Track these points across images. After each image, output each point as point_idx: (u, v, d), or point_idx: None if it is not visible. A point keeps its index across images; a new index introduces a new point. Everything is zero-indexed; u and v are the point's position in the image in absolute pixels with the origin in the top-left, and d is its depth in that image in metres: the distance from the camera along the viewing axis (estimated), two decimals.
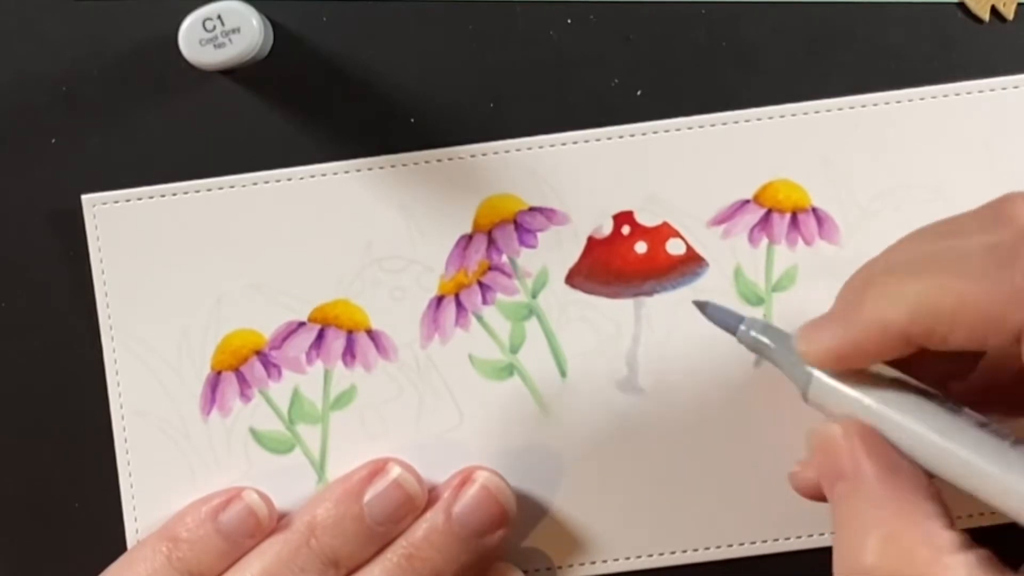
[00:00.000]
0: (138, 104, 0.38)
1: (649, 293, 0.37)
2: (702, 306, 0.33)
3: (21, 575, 0.38)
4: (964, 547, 0.27)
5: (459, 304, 0.37)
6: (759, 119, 0.37)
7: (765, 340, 0.31)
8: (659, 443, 0.36)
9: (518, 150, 0.37)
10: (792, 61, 0.37)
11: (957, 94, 0.37)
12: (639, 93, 0.38)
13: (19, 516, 0.38)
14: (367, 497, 0.34)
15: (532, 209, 0.37)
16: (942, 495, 0.28)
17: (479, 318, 0.37)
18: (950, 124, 0.37)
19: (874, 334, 0.28)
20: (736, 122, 0.37)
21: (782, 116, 0.37)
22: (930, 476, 0.28)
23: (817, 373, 0.29)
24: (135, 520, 0.37)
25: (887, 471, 0.28)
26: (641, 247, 0.37)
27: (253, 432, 0.37)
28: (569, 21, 0.38)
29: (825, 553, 0.35)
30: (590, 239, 0.37)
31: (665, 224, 0.37)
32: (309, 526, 0.34)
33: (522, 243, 0.37)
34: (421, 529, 0.34)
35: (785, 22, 0.37)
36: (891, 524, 0.27)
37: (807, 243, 0.37)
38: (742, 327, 0.31)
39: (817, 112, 0.37)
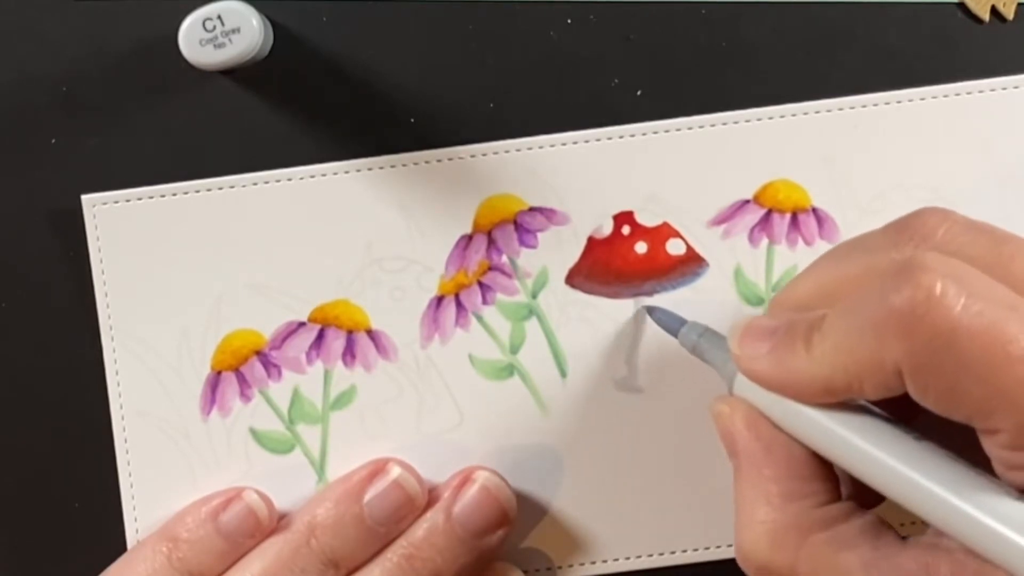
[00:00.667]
0: (138, 104, 0.38)
1: (649, 293, 0.37)
2: (650, 310, 0.36)
3: (21, 575, 0.38)
4: (838, 520, 0.27)
5: (459, 304, 0.37)
6: (759, 119, 0.37)
7: (703, 343, 0.33)
8: (659, 443, 0.36)
9: (518, 150, 0.37)
10: (792, 61, 0.37)
11: (957, 94, 0.37)
12: (639, 93, 0.38)
13: (19, 516, 0.38)
14: (367, 497, 0.34)
15: (532, 209, 0.37)
16: (826, 469, 0.28)
17: (479, 318, 0.37)
18: (950, 124, 0.37)
19: (801, 383, 0.28)
20: (736, 122, 0.37)
21: (782, 116, 0.37)
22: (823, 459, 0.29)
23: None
24: (135, 520, 0.37)
25: (763, 452, 0.29)
26: (641, 247, 0.37)
27: (253, 432, 0.37)
28: (569, 21, 0.38)
29: None
30: (590, 239, 0.37)
31: (665, 224, 0.37)
32: (309, 526, 0.34)
33: (522, 243, 0.37)
34: (421, 529, 0.34)
35: (785, 22, 0.37)
36: (763, 508, 0.28)
37: (807, 243, 0.37)
38: (683, 329, 0.34)
39: (817, 112, 0.37)
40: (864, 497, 0.29)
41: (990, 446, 0.25)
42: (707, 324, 0.33)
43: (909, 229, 0.28)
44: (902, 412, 0.28)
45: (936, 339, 0.25)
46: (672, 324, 0.35)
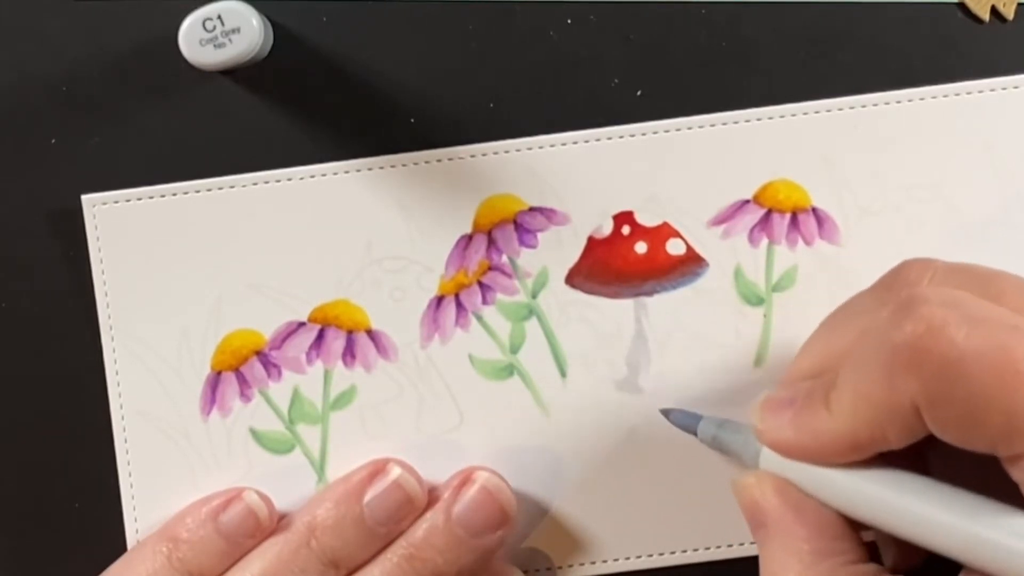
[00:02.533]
0: (138, 104, 0.38)
1: (649, 293, 0.37)
2: (666, 413, 0.36)
3: (21, 575, 0.38)
4: None
5: (459, 304, 0.37)
6: (759, 119, 0.37)
7: (721, 434, 0.33)
8: (659, 443, 0.36)
9: (518, 150, 0.37)
10: (792, 61, 0.37)
11: (957, 94, 0.37)
12: (639, 93, 0.38)
13: (19, 516, 0.38)
14: (367, 498, 0.34)
15: (532, 209, 0.37)
16: (854, 531, 0.29)
17: (479, 318, 0.37)
18: (950, 124, 0.37)
19: (828, 445, 0.28)
20: (736, 122, 0.37)
21: (782, 116, 0.37)
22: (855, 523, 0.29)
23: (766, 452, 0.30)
24: (135, 520, 0.37)
25: (793, 515, 0.29)
26: (641, 247, 0.37)
27: (253, 432, 0.37)
28: (569, 21, 0.38)
29: None
30: (590, 239, 0.37)
31: (665, 224, 0.37)
32: (309, 527, 0.34)
33: (522, 243, 0.37)
34: (421, 530, 0.34)
35: (785, 22, 0.37)
36: (795, 568, 0.28)
37: (807, 243, 0.37)
38: (700, 425, 0.34)
39: (817, 112, 0.37)
40: (906, 560, 0.29)
41: (1017, 472, 0.25)
42: (723, 417, 0.34)
43: (896, 284, 0.28)
44: (923, 467, 0.28)
45: (946, 368, 0.25)
46: (689, 423, 0.35)
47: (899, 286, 0.28)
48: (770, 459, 0.30)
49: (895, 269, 0.29)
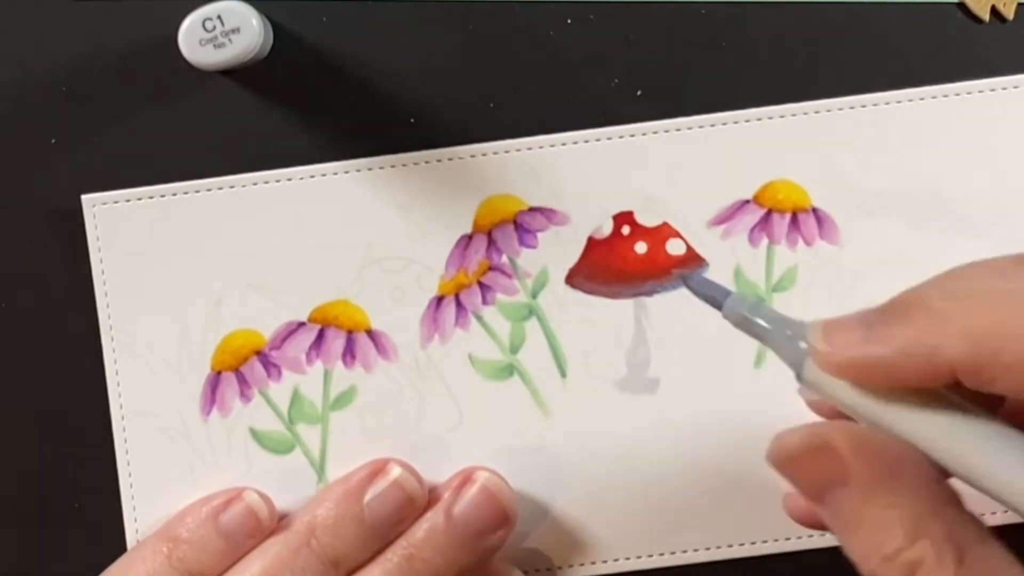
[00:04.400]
0: (138, 104, 0.38)
1: (649, 293, 0.37)
2: (686, 278, 0.31)
3: (21, 575, 0.38)
4: (987, 534, 0.25)
5: (459, 304, 0.37)
6: (759, 119, 0.37)
7: (757, 319, 0.28)
8: (659, 443, 0.36)
9: (518, 150, 0.37)
10: (792, 61, 0.37)
11: (957, 94, 0.37)
12: (639, 93, 0.38)
13: (19, 516, 0.38)
14: (367, 498, 0.34)
15: (532, 209, 0.37)
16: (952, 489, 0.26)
17: (479, 318, 0.37)
18: (950, 124, 0.37)
19: (917, 360, 0.25)
20: (736, 122, 0.37)
21: (782, 116, 0.37)
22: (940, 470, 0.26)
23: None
24: (135, 520, 0.37)
25: (893, 463, 0.25)
26: (641, 247, 0.37)
27: (253, 432, 0.37)
28: (569, 21, 0.38)
29: (826, 553, 0.36)
30: (590, 239, 0.37)
31: (665, 224, 0.37)
32: (309, 527, 0.34)
33: (522, 243, 0.37)
34: (421, 530, 0.34)
35: (785, 22, 0.37)
36: (909, 521, 0.25)
37: (807, 243, 0.37)
38: (728, 302, 0.29)
39: (817, 112, 0.37)
40: None
41: None
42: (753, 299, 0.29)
43: None
44: None
45: None
46: (714, 294, 0.29)
47: None
48: (818, 375, 0.26)
49: None
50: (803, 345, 0.27)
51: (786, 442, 0.26)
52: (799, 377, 0.27)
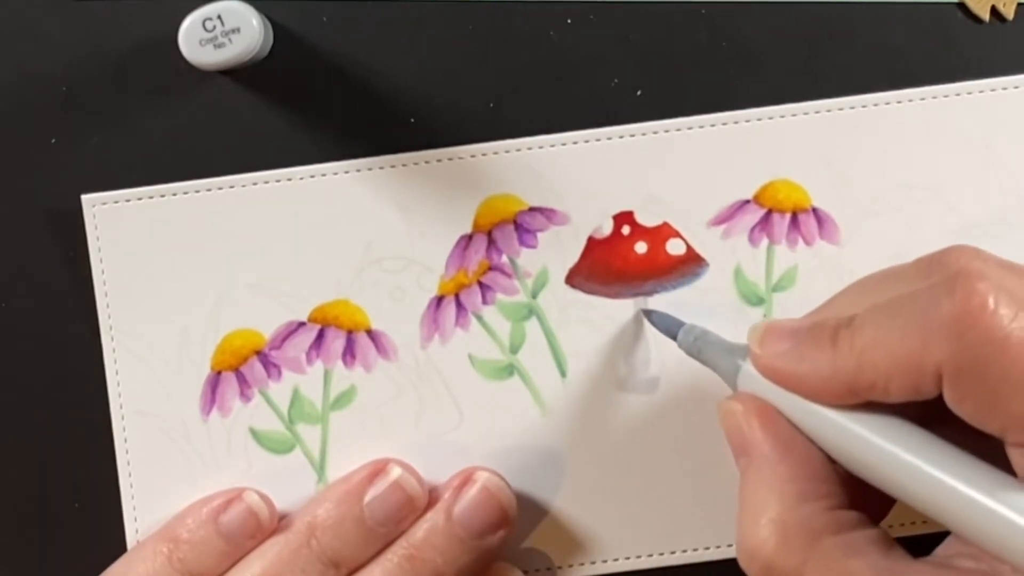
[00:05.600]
0: (138, 104, 0.38)
1: (649, 293, 0.37)
2: (647, 314, 0.36)
3: (21, 575, 0.38)
4: (850, 527, 0.27)
5: (459, 304, 0.37)
6: (759, 119, 0.37)
7: (701, 344, 0.33)
8: (659, 443, 0.36)
9: (518, 150, 0.37)
10: (792, 61, 0.37)
11: (957, 94, 0.37)
12: (639, 93, 0.38)
13: (19, 516, 0.38)
14: (367, 498, 0.34)
15: (532, 209, 0.37)
16: (838, 474, 0.28)
17: (479, 318, 0.37)
18: (950, 124, 0.37)
19: (833, 385, 0.27)
20: (736, 122, 0.37)
21: (782, 116, 0.37)
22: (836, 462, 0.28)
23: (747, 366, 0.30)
24: (135, 520, 0.37)
25: (780, 450, 0.28)
26: (641, 247, 0.37)
27: (253, 432, 0.37)
28: (569, 21, 0.38)
29: None
30: (590, 239, 0.37)
31: (665, 224, 0.37)
32: (309, 527, 0.34)
33: (522, 243, 0.37)
34: (421, 530, 0.34)
35: (785, 22, 0.38)
36: (775, 507, 0.27)
37: (807, 243, 0.37)
38: (681, 332, 0.34)
39: (817, 112, 0.37)
40: (869, 510, 0.28)
41: (1018, 457, 0.25)
42: (705, 326, 0.33)
43: (944, 262, 0.28)
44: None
45: (987, 344, 0.25)
46: (670, 327, 0.35)
47: (947, 263, 0.27)
48: (749, 380, 0.30)
49: (943, 251, 0.28)
50: (739, 363, 0.30)
51: (718, 407, 0.30)
52: (734, 387, 0.31)
